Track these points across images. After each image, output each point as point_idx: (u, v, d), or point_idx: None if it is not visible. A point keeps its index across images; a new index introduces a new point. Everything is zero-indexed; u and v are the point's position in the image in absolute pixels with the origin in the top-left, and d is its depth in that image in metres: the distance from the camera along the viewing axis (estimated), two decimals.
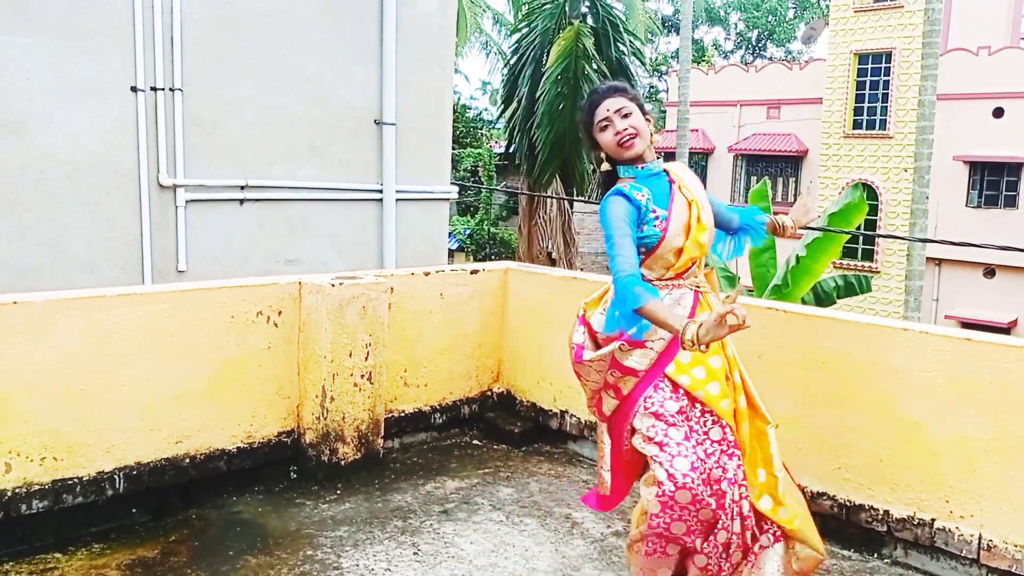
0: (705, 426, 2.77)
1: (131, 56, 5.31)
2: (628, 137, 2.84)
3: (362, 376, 4.13)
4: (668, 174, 2.94)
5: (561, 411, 4.64)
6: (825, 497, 3.60)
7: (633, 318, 2.67)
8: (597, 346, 2.93)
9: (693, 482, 2.63)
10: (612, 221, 2.77)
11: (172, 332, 3.71)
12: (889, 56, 24.70)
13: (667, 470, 2.64)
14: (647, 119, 2.90)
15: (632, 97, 2.90)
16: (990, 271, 24.05)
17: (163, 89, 5.42)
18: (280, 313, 4.03)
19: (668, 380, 2.79)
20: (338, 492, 3.99)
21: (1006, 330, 23.31)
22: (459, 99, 35.36)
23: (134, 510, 3.65)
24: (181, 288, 3.86)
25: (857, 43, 25.29)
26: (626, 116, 2.85)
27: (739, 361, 2.93)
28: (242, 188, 5.84)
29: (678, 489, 2.61)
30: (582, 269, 21.16)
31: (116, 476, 3.57)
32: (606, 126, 2.86)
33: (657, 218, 2.84)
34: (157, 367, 3.67)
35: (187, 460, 3.78)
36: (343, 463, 4.11)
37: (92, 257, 5.27)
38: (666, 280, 2.88)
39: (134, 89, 5.32)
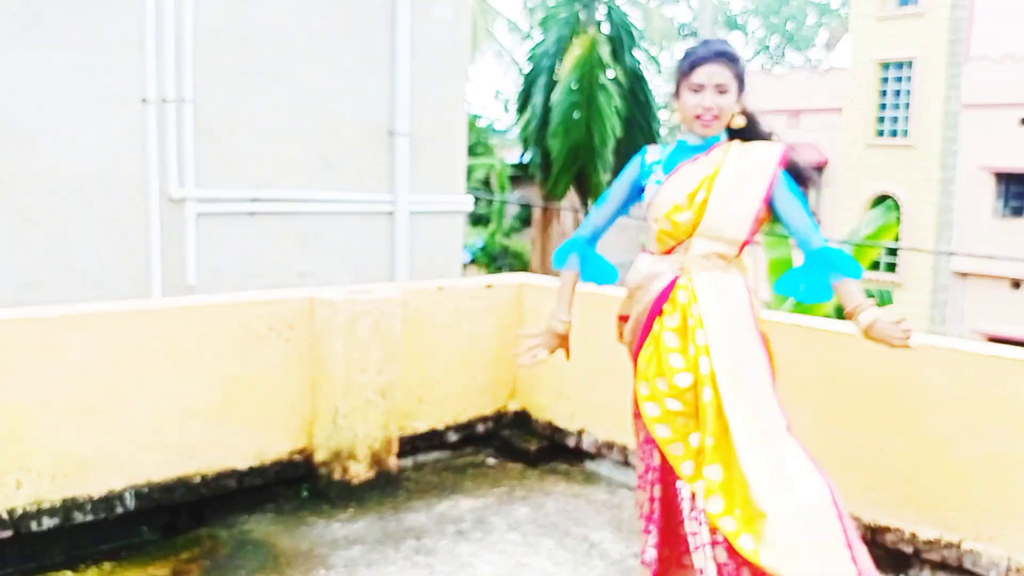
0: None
1: (142, 68, 5.30)
2: (711, 118, 2.72)
3: (375, 392, 4.07)
4: (711, 148, 2.78)
5: (578, 429, 4.56)
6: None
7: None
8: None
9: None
10: (614, 182, 3.00)
11: (183, 347, 3.67)
12: (911, 64, 24.49)
13: None
14: (740, 99, 2.76)
15: (737, 73, 2.73)
16: (1017, 284, 23.71)
17: (174, 101, 5.41)
18: (292, 328, 3.98)
19: None
20: (350, 511, 3.93)
21: None
22: (471, 107, 35.34)
23: (144, 528, 3.61)
24: (192, 303, 3.83)
25: (879, 51, 25.09)
26: (722, 93, 2.71)
27: (718, 351, 2.68)
28: (253, 201, 5.81)
29: None
30: None
31: (126, 494, 3.53)
32: (697, 91, 2.71)
33: (654, 182, 2.83)
34: (168, 383, 3.63)
35: (198, 478, 3.73)
36: (355, 482, 4.05)
37: (102, 271, 5.25)
38: (657, 253, 2.86)
39: (145, 101, 5.31)
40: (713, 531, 2.60)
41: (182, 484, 3.69)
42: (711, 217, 2.72)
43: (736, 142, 2.80)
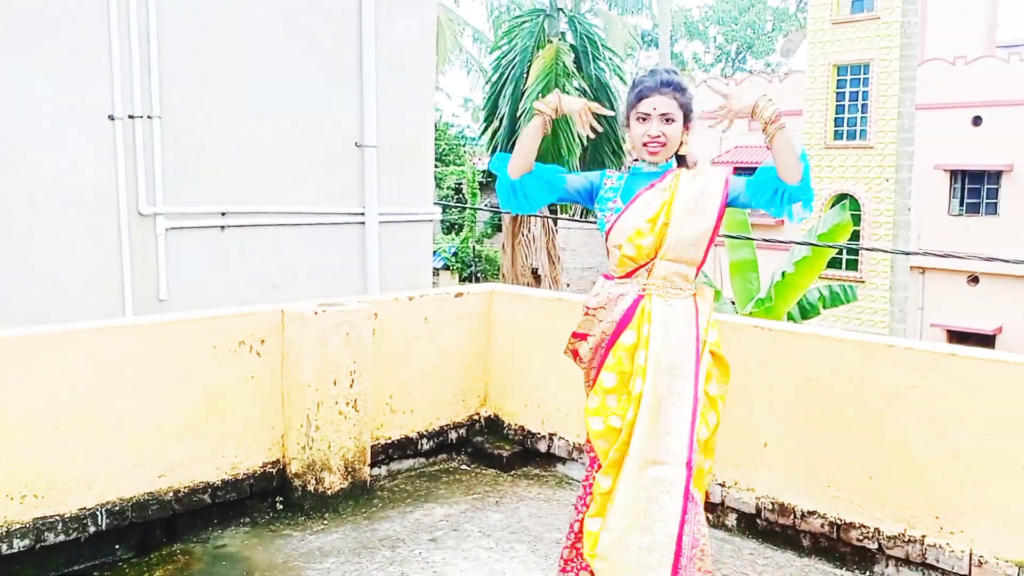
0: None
1: (108, 85, 5.27)
2: (656, 146, 2.85)
3: (347, 404, 4.09)
4: (664, 175, 2.88)
5: (549, 434, 4.61)
6: (816, 515, 3.59)
7: (509, 185, 2.95)
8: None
9: None
10: (578, 174, 3.04)
11: (154, 364, 3.66)
12: (867, 67, 24.95)
13: None
14: (687, 127, 2.88)
15: (683, 104, 2.85)
16: (974, 279, 24.23)
17: (141, 117, 5.39)
18: (263, 342, 3.99)
19: None
20: (325, 522, 3.94)
21: (991, 337, 23.46)
22: (441, 116, 35.45)
23: (117, 547, 3.60)
24: (163, 320, 3.82)
25: (835, 55, 25.53)
26: (668, 122, 2.83)
27: (655, 372, 2.76)
28: (223, 215, 5.81)
29: None
30: (568, 285, 21.17)
31: (98, 512, 3.52)
32: (644, 120, 2.85)
33: (612, 209, 2.91)
34: (140, 400, 3.62)
35: (171, 494, 3.72)
36: (329, 492, 4.07)
37: (72, 288, 5.21)
38: (617, 277, 2.92)
39: (112, 118, 5.29)
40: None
41: (155, 501, 3.67)
42: (671, 240, 2.82)
43: (684, 169, 2.92)
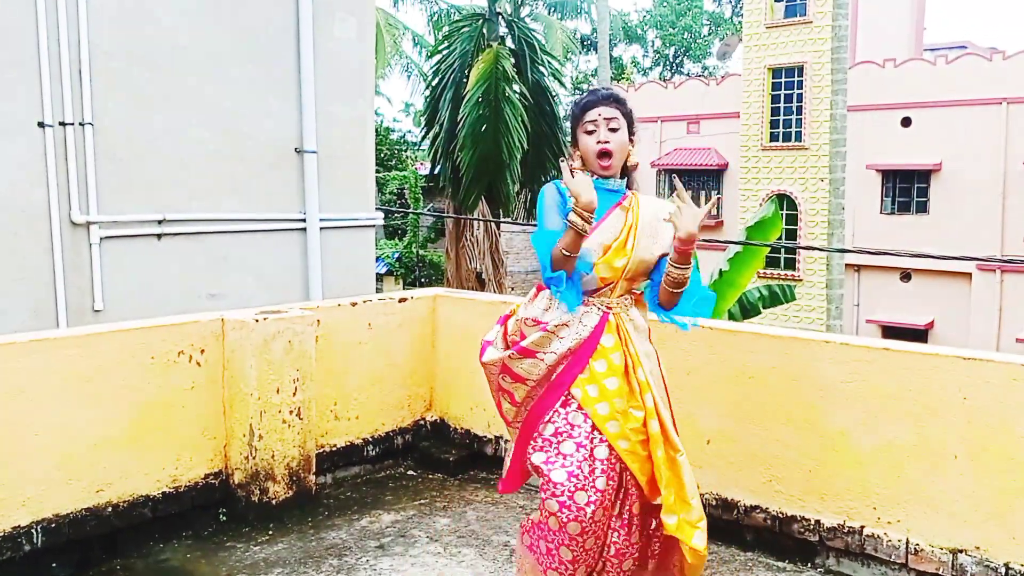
0: (592, 443, 2.79)
1: (38, 91, 5.14)
2: (607, 158, 2.87)
3: (291, 412, 4.04)
4: (624, 196, 2.93)
5: (496, 437, 4.62)
6: (758, 510, 3.66)
7: (561, 280, 2.76)
8: (508, 348, 2.96)
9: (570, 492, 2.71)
10: (544, 209, 2.88)
11: (89, 377, 3.57)
12: (801, 70, 25.52)
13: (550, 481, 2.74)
14: (631, 139, 2.93)
15: (626, 113, 2.92)
16: (906, 275, 24.94)
17: (73, 124, 5.26)
18: (203, 351, 3.92)
19: (570, 396, 2.85)
20: (270, 533, 3.89)
21: (924, 331, 24.17)
22: (382, 121, 35.26)
23: (54, 564, 3.50)
24: (97, 331, 3.72)
25: (770, 58, 26.06)
26: (613, 130, 2.87)
27: (653, 385, 2.86)
28: (160, 223, 5.69)
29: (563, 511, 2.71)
30: (512, 288, 21.24)
31: (33, 530, 3.42)
32: (592, 131, 2.88)
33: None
34: (74, 414, 3.53)
35: (109, 509, 3.63)
36: (274, 502, 4.01)
37: (2, 301, 5.06)
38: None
39: (42, 125, 5.15)
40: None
41: (93, 516, 3.58)
42: (635, 261, 2.86)
43: (637, 193, 2.98)
